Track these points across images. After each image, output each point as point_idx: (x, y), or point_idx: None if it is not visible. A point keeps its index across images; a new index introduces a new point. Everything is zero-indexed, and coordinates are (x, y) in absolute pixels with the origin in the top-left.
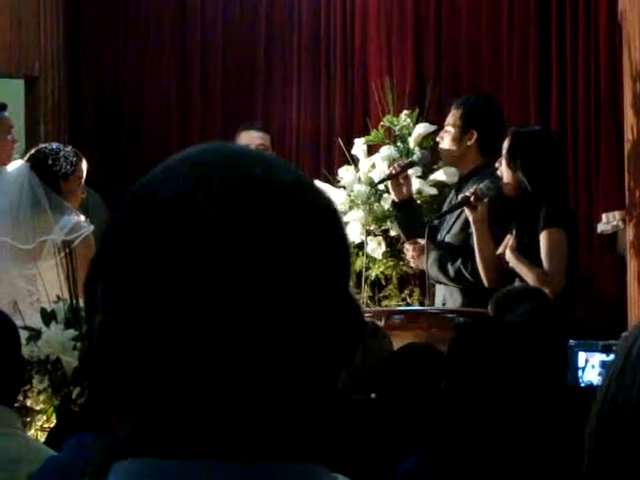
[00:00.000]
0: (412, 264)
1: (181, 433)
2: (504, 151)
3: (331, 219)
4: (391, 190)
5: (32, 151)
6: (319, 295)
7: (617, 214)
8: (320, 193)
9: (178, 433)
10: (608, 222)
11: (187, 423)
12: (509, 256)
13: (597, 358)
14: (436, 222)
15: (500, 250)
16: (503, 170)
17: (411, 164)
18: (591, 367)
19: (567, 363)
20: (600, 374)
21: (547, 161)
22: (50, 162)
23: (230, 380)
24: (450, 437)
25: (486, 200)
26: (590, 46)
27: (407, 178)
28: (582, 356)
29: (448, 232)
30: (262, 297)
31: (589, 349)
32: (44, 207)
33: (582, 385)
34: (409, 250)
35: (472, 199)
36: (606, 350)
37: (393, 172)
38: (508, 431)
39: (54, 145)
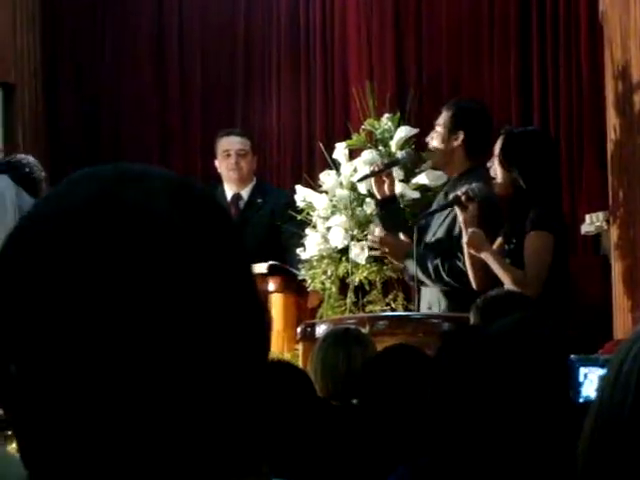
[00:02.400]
0: (375, 248)
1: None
2: (497, 151)
3: (218, 216)
4: (374, 188)
5: (2, 162)
6: (212, 294)
7: (601, 215)
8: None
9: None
10: (592, 223)
11: (103, 458)
12: (486, 255)
13: (596, 373)
14: (423, 222)
15: None
16: (496, 169)
17: (395, 162)
18: (590, 382)
19: (564, 376)
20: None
21: (541, 161)
22: (28, 170)
23: (143, 405)
24: (441, 448)
25: (477, 201)
26: (571, 47)
27: (390, 176)
28: (582, 371)
29: (434, 235)
30: (154, 308)
31: (589, 363)
32: None
33: (580, 400)
34: (376, 241)
35: (463, 199)
36: (606, 365)
37: (376, 169)
38: (500, 443)
39: (18, 156)
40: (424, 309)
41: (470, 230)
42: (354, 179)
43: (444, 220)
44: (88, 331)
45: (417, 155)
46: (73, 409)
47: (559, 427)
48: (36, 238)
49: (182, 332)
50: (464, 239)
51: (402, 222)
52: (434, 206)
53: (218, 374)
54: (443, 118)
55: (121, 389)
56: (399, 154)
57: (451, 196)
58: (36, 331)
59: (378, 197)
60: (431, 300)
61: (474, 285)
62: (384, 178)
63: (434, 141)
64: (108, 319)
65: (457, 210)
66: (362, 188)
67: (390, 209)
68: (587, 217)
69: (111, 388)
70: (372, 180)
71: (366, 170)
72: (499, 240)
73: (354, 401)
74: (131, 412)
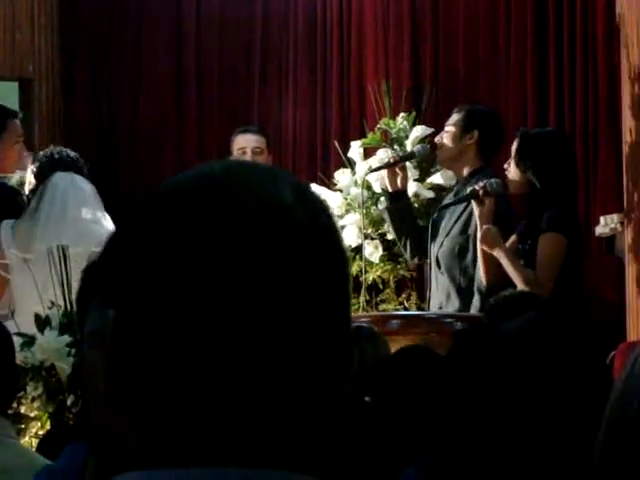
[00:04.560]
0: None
1: (183, 442)
2: (513, 152)
3: (330, 238)
4: (386, 180)
5: (56, 156)
6: (314, 309)
7: (615, 217)
8: (320, 211)
9: (180, 442)
10: (606, 225)
11: (189, 432)
12: (498, 253)
13: None
14: (436, 215)
15: None
16: (512, 170)
17: (410, 155)
18: None
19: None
20: None
21: (556, 162)
22: (82, 165)
23: (233, 387)
24: (451, 447)
25: (494, 196)
26: (588, 48)
27: (404, 170)
28: None
29: (447, 234)
30: (259, 308)
31: None
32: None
33: None
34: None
35: (481, 193)
36: None
37: (391, 161)
38: (511, 442)
39: (66, 150)
40: (434, 308)
41: (484, 227)
42: (369, 178)
43: (459, 217)
44: (191, 298)
45: (432, 151)
46: (160, 370)
47: (582, 425)
48: (170, 208)
49: (280, 323)
50: (479, 234)
51: (411, 216)
52: (446, 201)
53: (299, 373)
54: (455, 118)
55: (204, 360)
56: (415, 148)
57: (468, 190)
58: (148, 287)
59: (389, 190)
60: (442, 299)
61: (484, 280)
62: (398, 171)
63: (445, 139)
64: (215, 293)
65: (473, 204)
66: (377, 187)
67: (400, 203)
68: (601, 219)
69: (196, 359)
70: (385, 172)
71: (380, 174)
72: (513, 237)
73: (367, 399)
74: (209, 384)
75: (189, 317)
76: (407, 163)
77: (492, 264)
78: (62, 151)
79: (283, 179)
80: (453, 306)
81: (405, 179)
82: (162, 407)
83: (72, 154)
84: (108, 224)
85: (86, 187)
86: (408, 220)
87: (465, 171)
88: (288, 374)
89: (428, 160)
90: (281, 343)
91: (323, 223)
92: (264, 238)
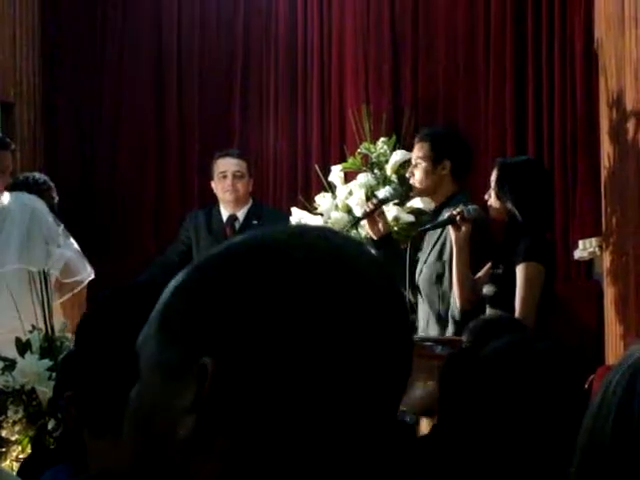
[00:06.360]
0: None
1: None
2: (492, 183)
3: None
4: (368, 229)
5: (21, 178)
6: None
7: (594, 240)
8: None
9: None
10: (585, 249)
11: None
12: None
13: None
14: (419, 235)
15: (479, 275)
16: (492, 201)
17: (384, 201)
18: None
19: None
20: None
21: (534, 191)
22: (46, 188)
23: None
24: (442, 468)
25: (470, 221)
26: (566, 74)
27: (382, 214)
28: None
29: (425, 261)
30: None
31: None
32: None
33: None
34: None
35: (457, 219)
36: None
37: (368, 211)
38: (500, 464)
39: (36, 174)
40: (420, 333)
41: None
42: (349, 202)
43: (435, 244)
44: (302, 357)
45: (404, 188)
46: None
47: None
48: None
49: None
50: (455, 258)
51: (400, 258)
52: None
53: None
54: (422, 151)
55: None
56: (387, 191)
57: (446, 215)
58: (254, 336)
59: (374, 238)
60: (423, 326)
61: (458, 303)
62: (377, 218)
63: (417, 174)
64: (322, 357)
65: (450, 229)
66: (357, 211)
67: (387, 247)
68: (580, 243)
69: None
70: (365, 222)
71: (361, 193)
72: (488, 264)
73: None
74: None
75: (302, 376)
76: (387, 186)
77: (467, 289)
78: (29, 175)
79: (371, 254)
80: (433, 332)
81: (385, 223)
82: (248, 448)
83: (40, 178)
84: (56, 242)
85: (38, 207)
86: (399, 265)
87: (440, 197)
88: (373, 417)
89: (402, 197)
90: (373, 396)
91: (398, 289)
92: (371, 302)
